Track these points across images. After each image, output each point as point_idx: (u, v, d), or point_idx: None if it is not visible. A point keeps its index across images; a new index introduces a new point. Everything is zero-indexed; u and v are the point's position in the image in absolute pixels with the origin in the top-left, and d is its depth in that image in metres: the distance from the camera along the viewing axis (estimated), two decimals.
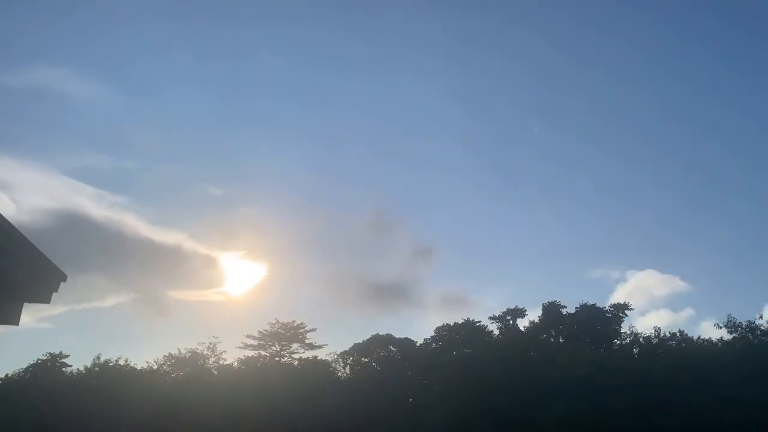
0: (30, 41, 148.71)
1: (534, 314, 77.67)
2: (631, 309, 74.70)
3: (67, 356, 77.41)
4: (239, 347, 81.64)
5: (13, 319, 7.45)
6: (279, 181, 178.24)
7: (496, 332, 77.95)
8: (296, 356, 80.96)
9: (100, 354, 76.29)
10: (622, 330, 72.08)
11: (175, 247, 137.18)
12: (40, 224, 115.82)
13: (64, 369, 76.97)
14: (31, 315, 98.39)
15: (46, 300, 7.61)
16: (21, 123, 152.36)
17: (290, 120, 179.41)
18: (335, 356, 79.29)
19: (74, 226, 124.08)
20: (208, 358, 78.38)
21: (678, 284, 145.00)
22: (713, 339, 66.56)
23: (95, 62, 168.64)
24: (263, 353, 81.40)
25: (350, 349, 79.03)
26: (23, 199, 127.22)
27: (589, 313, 73.61)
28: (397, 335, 78.23)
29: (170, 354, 77.72)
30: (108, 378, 70.95)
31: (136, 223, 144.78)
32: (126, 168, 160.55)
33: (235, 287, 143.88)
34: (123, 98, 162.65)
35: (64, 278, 7.60)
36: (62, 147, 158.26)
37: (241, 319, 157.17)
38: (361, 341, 78.70)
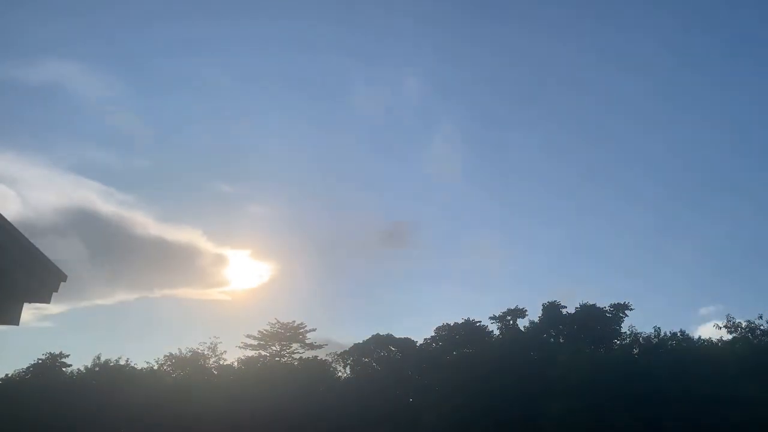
0: (37, 37, 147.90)
1: (534, 314, 77.70)
2: (631, 309, 74.75)
3: (68, 356, 77.63)
4: (239, 347, 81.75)
5: (13, 319, 7.48)
6: (288, 179, 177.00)
7: (496, 332, 77.96)
8: (296, 356, 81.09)
9: (100, 354, 76.58)
10: (622, 330, 72.10)
11: (182, 245, 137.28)
12: (46, 220, 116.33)
13: (64, 369, 77.02)
14: (31, 314, 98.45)
15: (46, 300, 7.63)
16: (28, 118, 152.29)
17: (298, 118, 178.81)
18: (335, 356, 79.45)
19: (81, 223, 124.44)
20: (208, 358, 78.43)
21: None
22: (713, 339, 66.76)
23: (103, 58, 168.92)
24: (263, 353, 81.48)
25: (350, 349, 79.09)
26: (30, 195, 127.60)
27: (589, 313, 73.54)
28: (397, 335, 78.43)
29: (170, 354, 77.84)
30: (108, 378, 71.04)
31: (144, 221, 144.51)
32: (135, 165, 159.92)
33: (241, 286, 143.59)
34: (131, 95, 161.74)
35: (64, 278, 7.62)
36: (70, 143, 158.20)
37: (246, 319, 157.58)
38: (361, 341, 78.85)
